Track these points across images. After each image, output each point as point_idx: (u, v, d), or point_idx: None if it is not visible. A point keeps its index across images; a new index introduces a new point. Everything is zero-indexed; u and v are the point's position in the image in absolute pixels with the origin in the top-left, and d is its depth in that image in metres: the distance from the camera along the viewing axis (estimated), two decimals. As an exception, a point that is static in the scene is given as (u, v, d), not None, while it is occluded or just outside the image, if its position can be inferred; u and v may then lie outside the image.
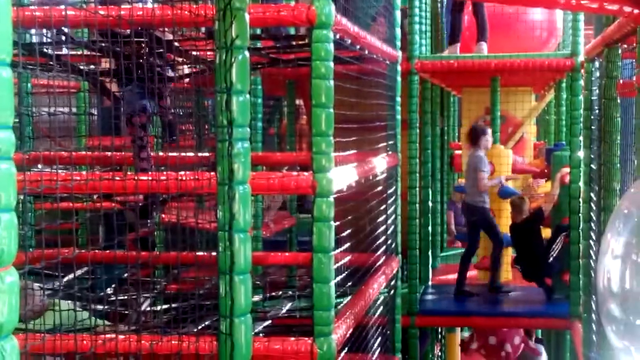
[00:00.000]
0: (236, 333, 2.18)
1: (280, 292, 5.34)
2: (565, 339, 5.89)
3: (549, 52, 5.98)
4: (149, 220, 7.09)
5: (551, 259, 5.55)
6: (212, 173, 2.58)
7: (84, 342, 2.44)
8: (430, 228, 6.38)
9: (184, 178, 2.65)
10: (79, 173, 2.97)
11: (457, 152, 8.17)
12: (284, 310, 4.46)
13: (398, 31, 5.20)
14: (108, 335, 2.50)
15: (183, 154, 3.54)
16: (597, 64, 4.17)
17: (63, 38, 3.39)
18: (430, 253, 6.44)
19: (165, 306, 3.77)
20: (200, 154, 3.74)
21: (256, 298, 4.49)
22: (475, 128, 6.00)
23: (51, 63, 3.22)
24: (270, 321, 4.20)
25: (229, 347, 2.16)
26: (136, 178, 2.80)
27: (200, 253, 4.83)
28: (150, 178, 2.90)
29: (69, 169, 3.69)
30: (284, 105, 8.73)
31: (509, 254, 6.20)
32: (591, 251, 4.19)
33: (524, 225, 5.66)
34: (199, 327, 2.78)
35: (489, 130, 5.97)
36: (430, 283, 6.36)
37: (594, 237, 4.07)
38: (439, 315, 5.85)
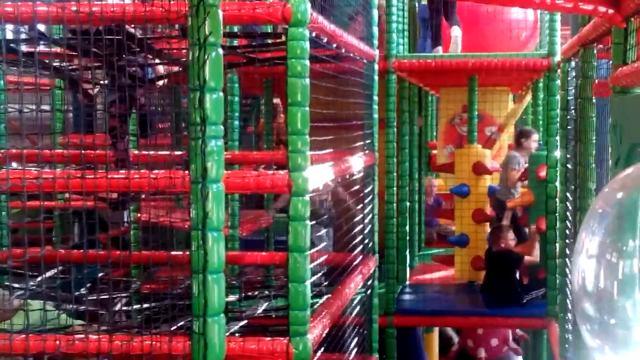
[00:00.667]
0: (209, 333, 2.16)
1: (257, 292, 5.32)
2: (542, 338, 5.92)
3: (526, 52, 6.02)
4: (123, 216, 7.04)
5: (525, 300, 5.54)
6: (187, 171, 2.56)
7: (55, 342, 2.40)
8: (407, 227, 6.39)
9: (157, 177, 2.62)
10: (52, 171, 2.92)
11: (435, 151, 8.21)
12: (259, 310, 4.44)
13: (375, 30, 5.20)
14: (79, 336, 2.46)
15: (158, 152, 3.51)
16: (573, 64, 4.20)
17: (35, 35, 3.34)
18: (407, 252, 6.45)
19: (138, 306, 3.72)
20: (174, 152, 3.69)
21: (232, 298, 4.46)
22: (521, 130, 6.12)
23: (24, 60, 3.17)
24: (245, 321, 4.18)
25: (202, 347, 2.13)
26: (109, 176, 2.75)
27: (174, 252, 4.80)
28: (123, 176, 2.87)
29: (43, 167, 3.64)
30: (262, 103, 8.71)
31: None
32: (567, 251, 4.22)
33: (500, 257, 5.56)
34: (173, 327, 2.75)
35: (535, 135, 6.04)
36: (407, 283, 6.38)
37: (570, 237, 4.10)
38: (417, 315, 5.86)
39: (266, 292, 5.07)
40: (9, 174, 2.67)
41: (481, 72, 5.89)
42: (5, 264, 2.26)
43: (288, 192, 3.07)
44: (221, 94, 2.26)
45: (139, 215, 6.12)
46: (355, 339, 4.51)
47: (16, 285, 3.35)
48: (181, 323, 2.87)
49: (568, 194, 4.31)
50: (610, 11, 2.72)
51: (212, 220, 2.19)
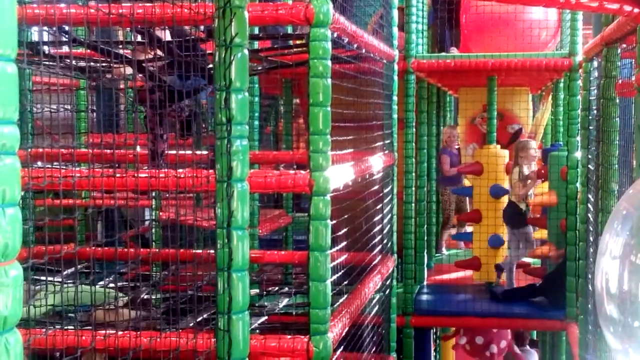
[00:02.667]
0: (234, 330, 2.19)
1: (276, 289, 5.35)
2: (561, 340, 5.90)
3: (547, 52, 5.99)
4: (144, 215, 7.08)
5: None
6: (211, 170, 2.59)
7: (84, 338, 2.44)
8: (426, 228, 6.39)
9: (182, 175, 2.66)
10: (80, 170, 2.97)
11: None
12: (279, 307, 4.48)
13: (395, 30, 5.21)
14: (110, 332, 2.51)
15: (182, 152, 3.55)
16: (595, 63, 4.19)
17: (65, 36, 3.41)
18: (425, 253, 6.45)
19: (163, 303, 3.77)
20: (199, 152, 3.74)
21: (252, 293, 4.50)
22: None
23: (54, 61, 3.23)
24: (265, 317, 4.21)
25: (226, 344, 2.17)
26: (136, 175, 2.80)
27: (197, 250, 4.85)
28: (148, 175, 2.91)
29: (68, 166, 3.70)
30: (280, 104, 8.75)
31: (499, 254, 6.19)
32: (588, 252, 4.21)
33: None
34: (197, 324, 2.78)
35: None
36: (425, 283, 6.38)
37: (591, 239, 4.09)
38: (434, 315, 5.87)
39: (286, 289, 5.11)
40: (36, 172, 2.72)
41: (501, 72, 5.87)
42: (28, 260, 2.29)
43: (309, 191, 3.10)
44: (246, 94, 2.29)
45: (160, 213, 6.19)
46: (374, 339, 4.53)
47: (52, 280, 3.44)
48: (205, 316, 2.90)
49: (589, 195, 4.29)
50: (636, 10, 2.71)
51: (237, 218, 2.22)
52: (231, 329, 2.17)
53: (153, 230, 6.43)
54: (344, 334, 3.44)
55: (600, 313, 2.14)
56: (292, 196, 7.12)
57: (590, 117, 4.28)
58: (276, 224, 6.54)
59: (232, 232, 2.22)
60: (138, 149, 5.40)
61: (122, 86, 4.61)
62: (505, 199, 6.04)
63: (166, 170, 3.11)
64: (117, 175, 2.83)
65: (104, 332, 2.57)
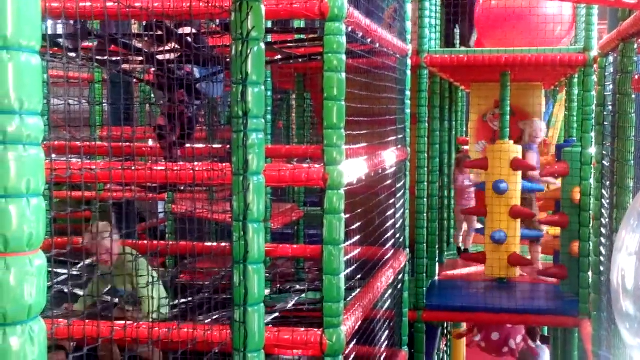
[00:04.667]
0: (250, 322, 2.20)
1: (288, 285, 5.37)
2: (573, 337, 5.87)
3: (561, 47, 5.95)
4: (157, 208, 7.12)
5: None
6: (226, 164, 2.61)
7: (102, 328, 2.47)
8: (437, 223, 6.39)
9: (198, 169, 2.67)
10: (97, 162, 2.99)
11: (465, 147, 8.17)
12: (292, 303, 4.50)
13: (408, 25, 5.20)
14: (129, 322, 2.53)
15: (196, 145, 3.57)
16: (611, 59, 4.16)
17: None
18: (437, 248, 6.45)
19: (179, 295, 3.81)
20: (212, 146, 3.76)
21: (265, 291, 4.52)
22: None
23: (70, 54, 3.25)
24: (278, 313, 4.23)
25: (242, 336, 2.18)
26: (151, 168, 2.82)
27: (211, 244, 4.88)
28: (164, 168, 2.93)
29: (82, 159, 3.73)
30: (292, 98, 8.75)
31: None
32: (602, 249, 4.19)
33: None
34: (213, 317, 2.80)
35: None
36: (437, 278, 6.38)
37: (605, 235, 4.07)
38: (446, 310, 5.87)
39: (297, 287, 5.13)
40: (54, 165, 2.74)
41: (514, 67, 5.84)
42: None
43: (323, 185, 3.11)
44: (262, 87, 2.30)
45: (173, 207, 6.22)
46: (386, 333, 4.54)
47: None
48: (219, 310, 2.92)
49: (603, 191, 4.27)
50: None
51: (253, 211, 2.24)
52: (247, 321, 2.18)
53: (167, 223, 6.47)
54: (356, 327, 3.45)
55: (615, 309, 2.13)
56: (304, 190, 7.14)
57: (605, 113, 4.26)
58: (288, 218, 6.56)
59: (248, 225, 2.23)
60: (150, 142, 5.44)
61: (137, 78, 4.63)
62: (511, 195, 6.00)
63: (181, 163, 3.12)
64: (135, 168, 2.85)
65: (122, 322, 2.60)
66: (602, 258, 4.14)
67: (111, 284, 3.90)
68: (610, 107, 4.02)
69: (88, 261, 3.99)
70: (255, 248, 2.24)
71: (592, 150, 5.06)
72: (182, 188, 3.56)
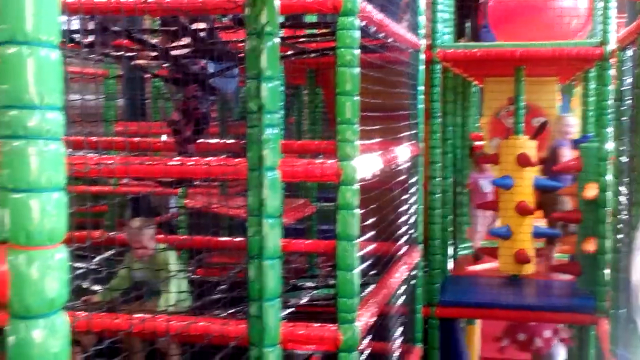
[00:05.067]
0: (266, 316, 2.20)
1: (301, 281, 5.38)
2: (590, 334, 5.81)
3: (577, 40, 5.88)
4: (169, 202, 7.17)
5: None
6: (240, 159, 2.61)
7: (121, 322, 2.48)
8: (451, 219, 6.36)
9: (212, 164, 2.68)
10: (113, 157, 3.00)
11: (478, 142, 8.12)
12: (305, 299, 4.50)
13: (421, 19, 5.18)
14: (148, 316, 2.54)
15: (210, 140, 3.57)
16: (629, 52, 4.12)
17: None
18: (450, 244, 6.42)
19: (195, 290, 3.83)
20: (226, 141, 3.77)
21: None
22: None
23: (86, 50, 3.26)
24: (291, 308, 4.24)
25: (258, 330, 2.18)
26: (167, 163, 2.82)
27: (224, 239, 4.89)
28: (179, 163, 2.94)
29: (97, 154, 3.76)
30: (303, 94, 8.74)
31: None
32: (619, 246, 4.15)
33: None
34: (228, 311, 2.81)
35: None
36: (450, 274, 6.36)
37: (622, 232, 4.03)
38: (459, 306, 5.84)
39: (310, 283, 5.14)
40: (72, 159, 2.76)
41: (529, 62, 5.79)
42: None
43: (337, 181, 3.11)
44: (277, 82, 2.30)
45: (186, 201, 6.24)
46: (400, 329, 4.54)
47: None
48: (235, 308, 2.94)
49: (621, 188, 4.23)
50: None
51: (268, 207, 2.24)
52: (263, 316, 2.19)
53: (179, 217, 6.49)
54: (371, 323, 3.44)
55: (636, 306, 2.11)
56: (317, 186, 7.14)
57: (623, 108, 4.21)
58: (301, 213, 6.56)
59: (263, 220, 2.23)
60: (164, 137, 5.46)
61: (151, 73, 4.65)
62: (517, 190, 5.96)
63: (195, 158, 3.13)
64: (150, 162, 2.86)
65: (140, 316, 2.61)
66: (619, 255, 4.11)
67: (139, 277, 3.97)
68: (629, 102, 3.98)
69: (107, 254, 4.04)
70: (271, 243, 2.24)
71: (610, 145, 5.01)
72: (197, 183, 3.57)
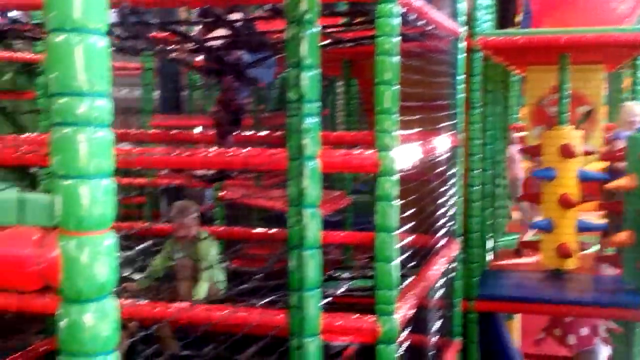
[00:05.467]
0: (306, 307, 2.20)
1: (337, 272, 5.37)
2: (635, 331, 5.65)
3: (626, 26, 5.70)
4: (204, 194, 7.23)
5: None
6: (278, 149, 2.60)
7: (160, 310, 2.51)
8: (490, 211, 6.28)
9: (252, 154, 2.67)
10: (153, 149, 3.03)
11: (519, 134, 8.00)
12: (341, 290, 4.49)
13: (462, 6, 5.10)
14: (185, 305, 2.56)
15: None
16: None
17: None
18: (489, 237, 6.35)
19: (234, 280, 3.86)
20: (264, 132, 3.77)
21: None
22: None
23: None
24: (328, 299, 4.23)
25: (298, 320, 2.18)
26: (206, 154, 2.83)
27: (260, 230, 4.91)
28: (217, 154, 2.95)
29: (135, 145, 3.81)
30: (339, 85, 8.72)
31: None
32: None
33: None
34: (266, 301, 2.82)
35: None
36: (490, 268, 6.28)
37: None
38: (499, 300, 5.76)
39: (346, 274, 5.13)
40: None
41: (574, 49, 5.62)
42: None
43: (375, 171, 3.08)
44: (317, 71, 2.28)
45: (222, 193, 6.29)
46: (439, 323, 4.50)
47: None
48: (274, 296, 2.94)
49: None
50: None
51: (308, 196, 2.23)
52: (303, 306, 2.18)
53: (215, 209, 6.55)
54: (409, 315, 3.42)
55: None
56: (352, 177, 7.12)
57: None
58: (336, 205, 6.55)
59: (303, 210, 2.23)
60: (199, 129, 5.51)
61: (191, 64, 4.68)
62: (560, 182, 5.83)
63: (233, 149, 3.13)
64: (189, 154, 2.87)
65: (178, 304, 2.63)
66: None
67: (178, 264, 4.03)
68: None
69: (144, 245, 4.09)
70: (311, 233, 2.24)
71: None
72: (235, 174, 3.59)
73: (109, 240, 1.15)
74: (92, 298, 1.13)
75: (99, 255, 1.13)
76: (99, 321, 1.14)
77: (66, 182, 1.12)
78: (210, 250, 3.92)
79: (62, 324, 1.15)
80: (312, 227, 2.25)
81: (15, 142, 3.16)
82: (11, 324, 4.96)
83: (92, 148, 1.13)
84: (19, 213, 1.17)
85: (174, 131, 5.35)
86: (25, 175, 5.66)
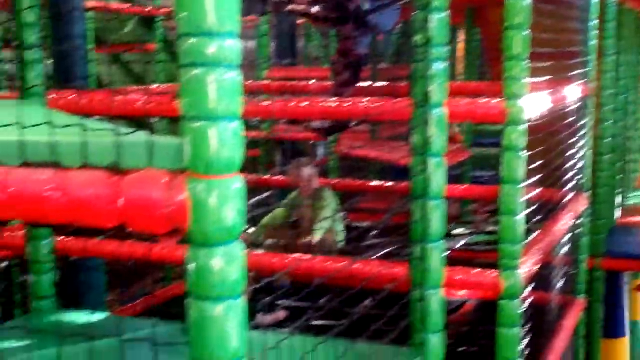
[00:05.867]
0: (429, 259, 2.14)
1: (455, 227, 5.26)
2: None
3: None
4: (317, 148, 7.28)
5: None
6: (399, 99, 2.52)
7: (277, 262, 2.53)
8: (620, 165, 5.90)
9: (374, 104, 2.61)
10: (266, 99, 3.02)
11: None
12: (460, 244, 4.40)
13: (597, -53, 4.72)
14: (306, 257, 2.58)
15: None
16: None
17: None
18: (619, 192, 5.98)
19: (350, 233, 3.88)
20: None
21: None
22: None
23: None
24: (447, 253, 4.15)
25: (421, 273, 2.13)
26: (326, 104, 2.80)
27: (376, 183, 4.87)
28: (337, 104, 2.90)
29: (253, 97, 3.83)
30: (458, 34, 8.41)
31: None
32: None
33: None
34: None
35: None
36: (618, 224, 5.93)
37: None
38: (627, 258, 5.45)
39: (463, 229, 5.01)
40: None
41: None
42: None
43: (502, 121, 2.94)
44: (446, 13, 2.17)
45: (336, 147, 6.29)
46: (563, 280, 4.32)
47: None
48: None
49: None
50: None
51: (434, 145, 2.15)
52: (426, 258, 2.13)
53: (329, 163, 6.57)
54: (534, 271, 3.28)
55: None
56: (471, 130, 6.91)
57: None
58: (455, 159, 6.37)
59: (428, 159, 2.15)
60: (313, 81, 5.48)
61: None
62: None
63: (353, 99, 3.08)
64: (308, 104, 2.84)
65: (297, 256, 2.65)
66: None
67: (296, 216, 4.11)
68: None
69: (261, 196, 4.17)
70: (436, 183, 2.16)
71: None
72: (354, 124, 3.54)
73: (237, 183, 1.13)
74: (221, 242, 1.13)
75: (227, 199, 1.11)
76: (227, 265, 1.13)
77: (195, 124, 1.11)
78: (330, 202, 3.96)
79: (191, 268, 1.15)
80: (437, 177, 2.17)
81: (135, 94, 3.26)
82: (132, 272, 5.23)
83: (222, 89, 1.10)
84: (148, 156, 1.17)
85: (291, 83, 5.37)
86: (144, 127, 5.90)
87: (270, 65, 6.98)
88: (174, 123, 4.61)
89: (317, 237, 3.88)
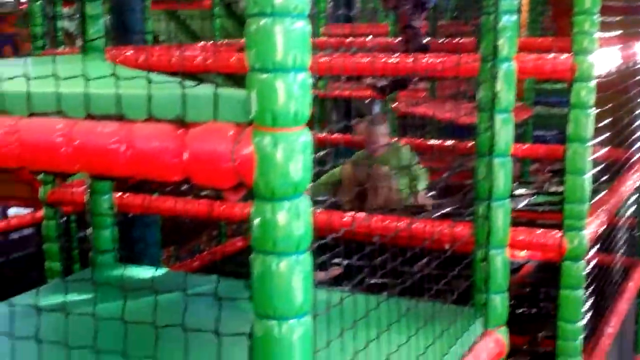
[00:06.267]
0: (494, 217, 2.09)
1: (515, 187, 5.15)
2: None
3: None
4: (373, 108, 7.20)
5: None
6: (464, 55, 2.44)
7: (337, 219, 2.52)
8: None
9: (437, 59, 2.53)
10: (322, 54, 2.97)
11: None
12: (521, 204, 4.31)
13: None
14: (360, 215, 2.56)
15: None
16: None
17: None
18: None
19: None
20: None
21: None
22: None
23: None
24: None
25: (485, 231, 2.08)
26: (387, 60, 2.73)
27: (434, 142, 4.79)
28: (397, 60, 2.83)
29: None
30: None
31: None
32: None
33: None
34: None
35: None
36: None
37: None
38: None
39: (524, 190, 4.89)
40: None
41: None
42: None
43: (570, 77, 2.82)
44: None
45: (393, 105, 6.19)
46: (627, 241, 4.19)
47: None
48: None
49: None
50: None
51: (502, 100, 2.07)
52: (491, 216, 2.07)
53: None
54: (599, 232, 3.18)
55: None
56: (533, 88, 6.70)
57: None
58: (517, 117, 6.20)
59: (495, 115, 2.07)
60: (370, 37, 5.38)
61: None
62: None
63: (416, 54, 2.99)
64: (369, 59, 2.78)
65: (356, 214, 2.63)
66: None
67: (363, 176, 4.12)
68: None
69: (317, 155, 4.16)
70: (503, 140, 2.09)
71: None
72: (415, 80, 3.46)
73: (304, 137, 1.10)
74: (286, 196, 1.10)
75: (294, 153, 1.09)
76: (292, 220, 1.11)
77: (262, 76, 1.08)
78: (410, 159, 3.98)
79: (255, 222, 1.13)
80: (504, 134, 2.10)
81: (192, 50, 3.24)
82: (187, 229, 5.30)
83: (289, 41, 1.06)
84: (213, 109, 1.15)
85: (349, 39, 5.28)
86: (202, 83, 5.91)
87: (326, 23, 6.88)
88: (230, 80, 4.60)
89: (404, 196, 3.93)
